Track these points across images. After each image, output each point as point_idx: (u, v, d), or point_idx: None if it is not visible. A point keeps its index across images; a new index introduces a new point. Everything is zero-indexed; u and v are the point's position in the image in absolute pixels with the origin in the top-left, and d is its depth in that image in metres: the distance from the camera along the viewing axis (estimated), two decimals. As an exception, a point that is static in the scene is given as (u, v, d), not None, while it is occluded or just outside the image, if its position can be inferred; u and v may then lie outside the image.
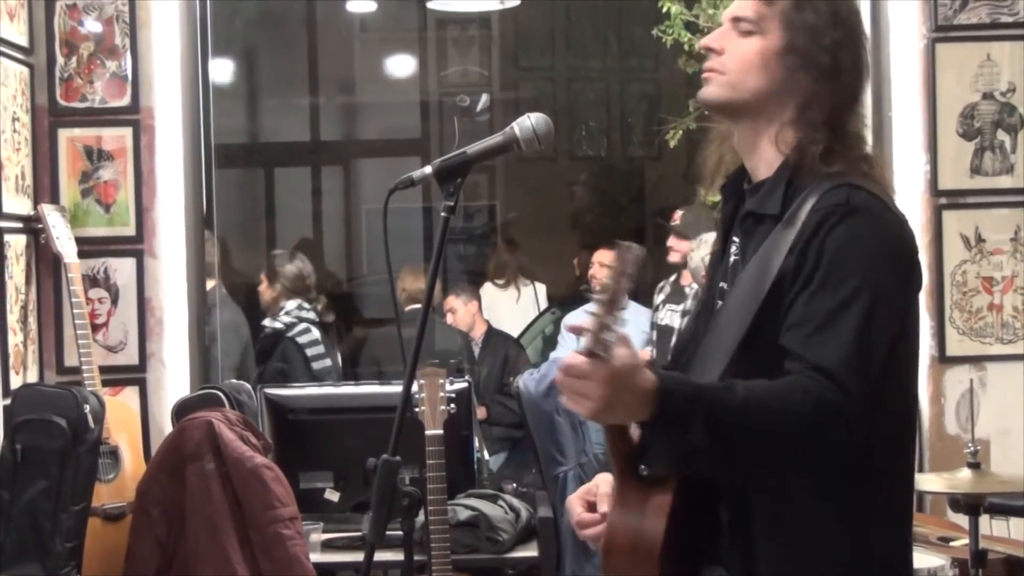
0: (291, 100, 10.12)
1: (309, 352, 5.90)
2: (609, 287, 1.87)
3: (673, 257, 5.94)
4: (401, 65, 10.28)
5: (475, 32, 10.05)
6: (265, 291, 6.17)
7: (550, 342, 7.22)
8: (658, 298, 6.08)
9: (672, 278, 6.02)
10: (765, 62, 2.15)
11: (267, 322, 6.07)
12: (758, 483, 2.08)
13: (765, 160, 2.17)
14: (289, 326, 5.95)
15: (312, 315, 6.05)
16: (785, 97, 2.15)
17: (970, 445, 3.41)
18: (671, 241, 5.95)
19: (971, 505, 3.31)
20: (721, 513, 2.14)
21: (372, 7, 10.08)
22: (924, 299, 4.37)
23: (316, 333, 5.98)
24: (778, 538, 2.06)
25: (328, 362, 6.01)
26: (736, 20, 2.19)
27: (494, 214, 10.25)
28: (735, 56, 2.17)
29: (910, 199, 4.44)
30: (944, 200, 4.39)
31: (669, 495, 2.03)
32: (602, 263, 6.34)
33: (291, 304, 6.01)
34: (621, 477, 2.10)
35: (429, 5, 5.70)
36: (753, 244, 2.14)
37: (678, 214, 6.00)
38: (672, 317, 5.85)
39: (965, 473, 3.35)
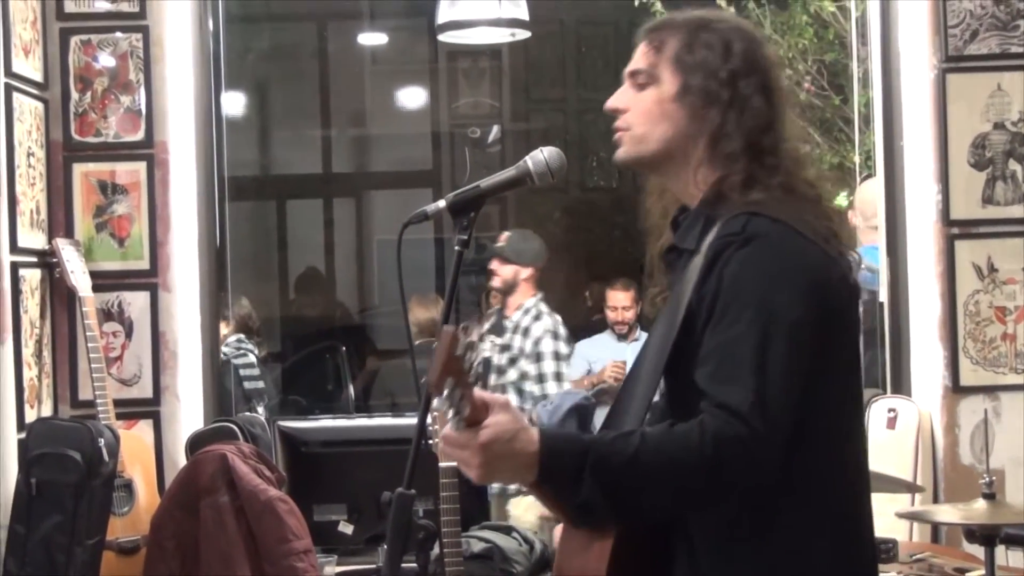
0: (303, 132, 10.17)
1: (243, 372, 6.27)
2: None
3: (495, 283, 5.58)
4: (412, 97, 10.32)
5: (486, 64, 10.08)
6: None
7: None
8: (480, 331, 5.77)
9: (496, 308, 5.67)
10: (664, 110, 2.17)
11: None
12: (698, 523, 2.07)
13: (695, 199, 2.18)
14: (227, 354, 6.24)
15: (250, 346, 6.56)
16: (694, 138, 2.16)
17: (985, 475, 3.39)
18: (494, 264, 5.53)
19: (987, 536, 3.28)
20: (673, 549, 2.12)
21: (383, 40, 10.14)
22: (937, 329, 4.38)
23: (252, 358, 6.48)
24: (724, 573, 2.07)
25: (261, 384, 6.45)
26: (632, 75, 2.22)
27: (505, 245, 10.25)
28: (636, 111, 2.20)
29: (922, 229, 4.44)
30: (956, 230, 4.38)
31: (610, 540, 2.03)
32: (619, 306, 6.30)
33: (232, 338, 6.42)
34: (566, 523, 2.13)
35: (440, 37, 5.69)
36: (676, 280, 2.15)
37: (504, 236, 5.66)
38: (493, 350, 5.50)
39: (980, 504, 3.33)
